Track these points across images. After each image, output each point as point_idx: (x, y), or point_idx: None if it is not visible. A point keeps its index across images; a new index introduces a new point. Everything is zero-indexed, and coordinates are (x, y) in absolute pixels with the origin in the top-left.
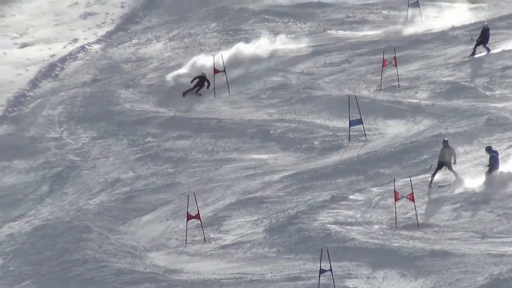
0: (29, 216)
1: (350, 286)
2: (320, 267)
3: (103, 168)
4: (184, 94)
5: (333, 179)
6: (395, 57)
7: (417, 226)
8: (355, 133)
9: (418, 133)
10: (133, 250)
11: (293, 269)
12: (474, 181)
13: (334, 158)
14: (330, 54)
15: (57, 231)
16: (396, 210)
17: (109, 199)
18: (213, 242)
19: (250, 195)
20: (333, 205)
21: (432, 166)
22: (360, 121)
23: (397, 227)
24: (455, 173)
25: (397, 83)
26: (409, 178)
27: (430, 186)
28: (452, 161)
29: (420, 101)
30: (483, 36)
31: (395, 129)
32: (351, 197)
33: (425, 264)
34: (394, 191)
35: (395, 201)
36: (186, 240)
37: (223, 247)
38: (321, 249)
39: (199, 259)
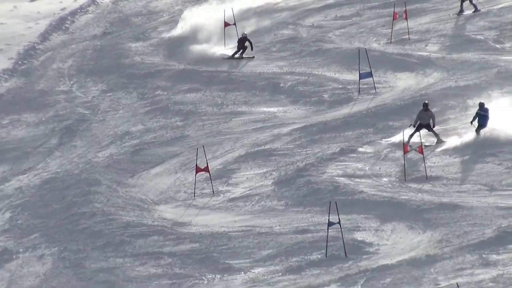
0: (38, 169)
1: (359, 239)
2: (329, 219)
3: (112, 121)
4: (232, 56)
5: (342, 132)
6: (405, 10)
7: (426, 179)
8: (365, 86)
9: (428, 86)
10: (142, 203)
11: (302, 222)
12: (480, 134)
13: (344, 111)
14: (340, 8)
15: (66, 184)
16: (405, 162)
17: (118, 152)
18: (222, 195)
19: (259, 148)
20: (342, 158)
21: (411, 125)
22: (370, 74)
23: (405, 180)
24: (436, 134)
25: (408, 36)
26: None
27: (409, 145)
28: (431, 124)
29: (430, 54)
30: None
31: (404, 82)
32: (360, 149)
33: (433, 216)
34: (403, 144)
35: (404, 153)
36: (194, 193)
37: (232, 200)
38: (330, 201)
39: (207, 212)
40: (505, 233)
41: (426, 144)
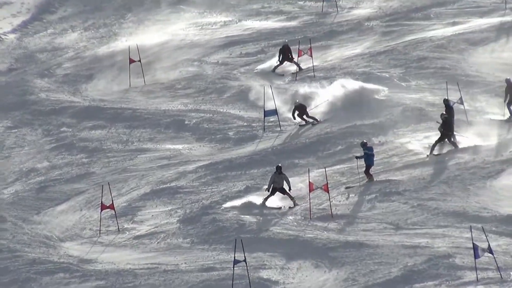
0: None
1: (264, 277)
2: (234, 257)
3: (17, 157)
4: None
5: (248, 170)
6: (310, 47)
7: (331, 217)
8: (270, 124)
9: (333, 124)
10: (47, 240)
11: (207, 260)
12: (389, 173)
13: (249, 148)
14: (245, 44)
15: None
16: (311, 201)
17: (23, 189)
18: (127, 232)
19: (165, 185)
20: (247, 196)
21: (266, 189)
22: (275, 112)
23: (311, 218)
24: (291, 197)
25: (313, 73)
26: (324, 169)
27: (263, 204)
28: (287, 187)
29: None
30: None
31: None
32: (265, 187)
33: (339, 255)
34: (309, 182)
35: (310, 191)
36: (100, 230)
37: (137, 237)
38: (235, 239)
39: (113, 249)
40: (411, 272)
41: (346, 186)
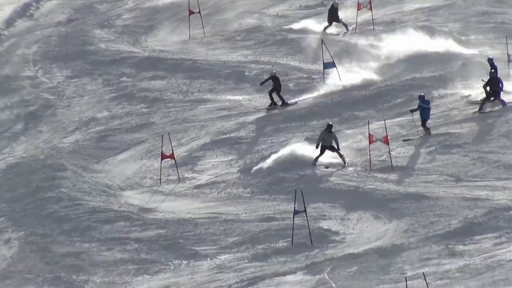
0: (3, 154)
1: (324, 227)
2: (294, 208)
3: (78, 107)
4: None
5: (308, 121)
6: (370, 1)
7: (391, 169)
8: (330, 76)
9: (392, 77)
10: (108, 189)
11: (267, 210)
12: (448, 126)
13: (309, 100)
14: None
15: (32, 169)
16: (371, 152)
17: (83, 138)
18: (188, 182)
19: (224, 136)
20: (308, 147)
21: (314, 151)
22: (333, 64)
23: (371, 170)
24: (341, 155)
25: (372, 26)
26: (383, 121)
27: (314, 165)
28: (335, 146)
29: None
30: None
31: (369, 73)
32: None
33: (399, 206)
34: (369, 134)
35: (370, 143)
36: (160, 180)
37: (198, 186)
38: (295, 190)
39: (173, 198)
40: (471, 224)
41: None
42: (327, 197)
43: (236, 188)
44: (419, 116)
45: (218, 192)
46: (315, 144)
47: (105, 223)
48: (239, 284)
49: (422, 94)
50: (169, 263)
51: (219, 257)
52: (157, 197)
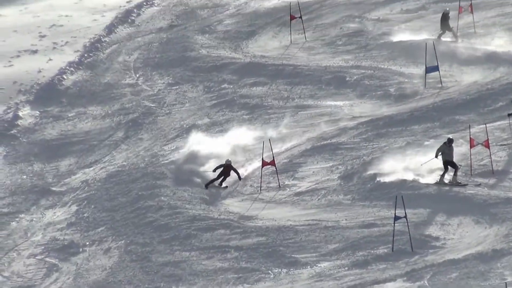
0: (104, 162)
1: (425, 233)
2: (395, 214)
3: (178, 114)
4: (207, 186)
5: (409, 126)
6: (471, 3)
7: (492, 173)
8: (431, 80)
9: (494, 80)
10: (207, 197)
11: (368, 216)
12: None
13: (410, 105)
14: (406, 1)
15: (132, 177)
16: (472, 157)
17: (184, 145)
18: (288, 189)
19: (325, 142)
20: (408, 152)
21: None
22: (436, 68)
23: (472, 174)
24: (456, 174)
25: (474, 29)
26: (484, 125)
27: (439, 183)
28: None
29: (496, 48)
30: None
31: (470, 76)
32: (427, 143)
33: (500, 211)
34: (470, 138)
35: (471, 147)
36: (261, 187)
37: (298, 194)
38: (396, 196)
39: (273, 205)
40: None
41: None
42: (428, 203)
43: (336, 195)
44: None
45: (319, 199)
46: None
47: (205, 231)
48: None
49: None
50: (269, 271)
51: (319, 265)
52: (257, 204)
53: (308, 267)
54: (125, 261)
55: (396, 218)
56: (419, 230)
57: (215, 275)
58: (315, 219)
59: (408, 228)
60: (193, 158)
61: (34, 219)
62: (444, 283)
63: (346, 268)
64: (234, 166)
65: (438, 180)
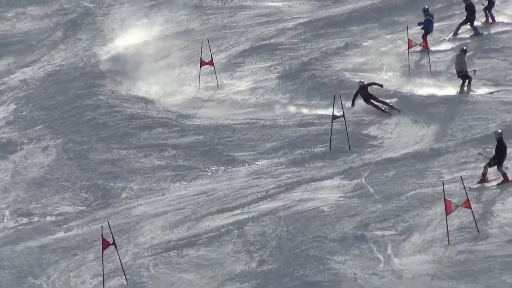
0: (42, 62)
1: (363, 132)
2: (333, 113)
3: (117, 14)
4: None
5: (347, 27)
6: None
7: (430, 73)
8: None
9: None
10: (146, 95)
11: (306, 115)
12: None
13: (349, 6)
14: None
15: (70, 76)
16: (410, 57)
17: (122, 45)
18: (226, 88)
19: (264, 42)
20: (347, 52)
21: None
22: None
23: (410, 74)
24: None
25: None
26: (420, 27)
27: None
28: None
29: None
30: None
31: None
32: (365, 44)
33: (438, 110)
34: (408, 39)
35: (409, 48)
36: (199, 86)
37: (236, 93)
38: (334, 95)
39: (212, 104)
40: (509, 127)
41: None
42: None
43: (274, 94)
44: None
45: (257, 98)
46: None
47: (143, 129)
48: (276, 190)
49: (426, 7)
50: (207, 169)
51: (256, 163)
52: (196, 103)
53: (246, 165)
54: (62, 159)
55: (334, 117)
56: (357, 129)
57: (152, 172)
58: (253, 117)
59: (346, 127)
60: (130, 57)
61: None
62: (381, 180)
63: (283, 166)
64: None
65: (458, 91)
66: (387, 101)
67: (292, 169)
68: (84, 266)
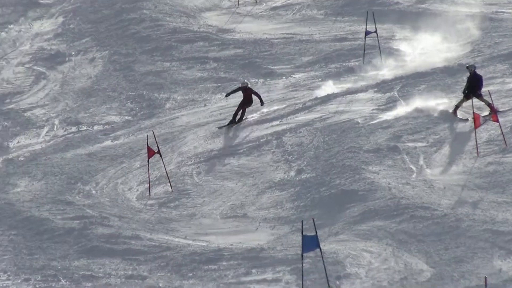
0: None
1: (394, 47)
2: (366, 28)
3: None
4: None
5: None
6: None
7: None
8: None
9: None
10: (188, 10)
11: (340, 30)
12: None
13: None
14: None
15: None
16: None
17: None
18: (264, 4)
19: None
20: None
21: None
22: None
23: None
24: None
25: None
26: None
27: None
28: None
29: None
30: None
31: None
32: None
33: (466, 26)
34: None
35: None
36: (238, 1)
37: (274, 8)
38: (367, 11)
39: (250, 19)
40: None
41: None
42: (397, 18)
43: (310, 10)
44: None
45: (293, 13)
46: None
47: (185, 43)
48: (313, 102)
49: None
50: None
51: (293, 76)
52: (235, 18)
53: (284, 77)
54: (109, 70)
55: (367, 32)
56: (389, 44)
57: (195, 84)
58: (289, 32)
59: (378, 42)
60: None
61: (23, 29)
62: (413, 94)
63: (319, 79)
64: None
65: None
66: None
67: (327, 82)
68: (130, 174)
